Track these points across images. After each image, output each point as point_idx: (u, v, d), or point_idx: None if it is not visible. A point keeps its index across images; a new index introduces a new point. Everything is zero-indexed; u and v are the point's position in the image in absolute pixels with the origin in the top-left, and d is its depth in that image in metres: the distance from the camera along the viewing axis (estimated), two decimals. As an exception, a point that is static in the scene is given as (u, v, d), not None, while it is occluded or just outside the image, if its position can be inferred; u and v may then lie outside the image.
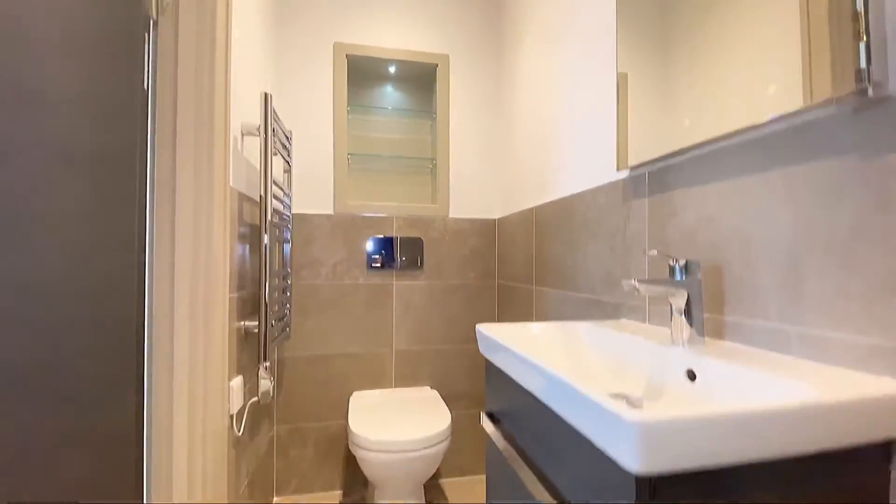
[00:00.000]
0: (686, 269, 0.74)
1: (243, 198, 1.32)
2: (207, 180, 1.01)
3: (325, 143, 1.88)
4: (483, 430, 0.93)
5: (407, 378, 1.92)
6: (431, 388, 1.91)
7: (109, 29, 0.87)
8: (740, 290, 0.73)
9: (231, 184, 1.15)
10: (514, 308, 1.80)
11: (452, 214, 1.99)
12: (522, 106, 1.75)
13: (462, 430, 1.91)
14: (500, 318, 1.97)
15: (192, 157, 0.99)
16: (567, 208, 1.34)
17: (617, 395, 0.72)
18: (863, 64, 0.53)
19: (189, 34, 0.99)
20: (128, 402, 0.90)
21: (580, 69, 1.29)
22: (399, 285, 1.92)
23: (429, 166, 2.08)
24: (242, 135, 1.33)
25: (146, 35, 0.96)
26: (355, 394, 1.81)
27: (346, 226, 1.88)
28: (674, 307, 0.75)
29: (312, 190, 1.86)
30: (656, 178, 0.94)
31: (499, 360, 0.84)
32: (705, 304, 0.79)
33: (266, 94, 1.27)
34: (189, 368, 0.97)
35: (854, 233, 0.57)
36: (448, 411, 1.58)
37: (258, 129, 1.31)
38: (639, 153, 0.96)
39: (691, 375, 0.69)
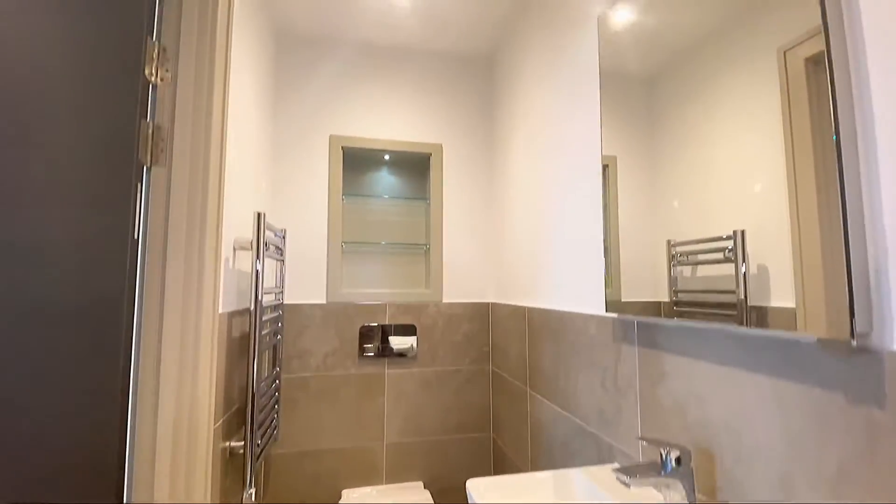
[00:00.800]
0: (678, 461, 0.73)
1: (234, 314, 1.31)
2: (195, 323, 1.00)
3: (320, 233, 1.88)
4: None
5: (399, 472, 1.86)
6: (424, 485, 1.85)
7: (102, 179, 0.87)
8: (732, 486, 0.72)
9: (220, 310, 1.15)
10: (508, 406, 1.77)
11: (446, 299, 1.98)
12: (514, 195, 1.77)
13: (455, 526, 1.85)
14: (495, 408, 1.94)
15: (180, 298, 0.98)
16: (559, 325, 1.34)
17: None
18: (846, 314, 0.53)
19: (182, 179, 1.00)
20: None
21: (568, 175, 1.31)
22: (391, 374, 1.90)
23: (423, 250, 2.09)
24: (235, 249, 1.33)
25: (139, 184, 0.97)
26: (345, 492, 1.76)
27: (338, 315, 1.86)
28: (666, 497, 0.74)
29: (306, 280, 1.85)
30: (646, 330, 0.94)
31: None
32: (698, 486, 0.77)
33: (259, 214, 1.28)
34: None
35: (841, 474, 0.55)
36: (440, 522, 1.53)
37: (251, 244, 1.31)
38: (629, 295, 0.96)
39: (685, 587, 0.66)
